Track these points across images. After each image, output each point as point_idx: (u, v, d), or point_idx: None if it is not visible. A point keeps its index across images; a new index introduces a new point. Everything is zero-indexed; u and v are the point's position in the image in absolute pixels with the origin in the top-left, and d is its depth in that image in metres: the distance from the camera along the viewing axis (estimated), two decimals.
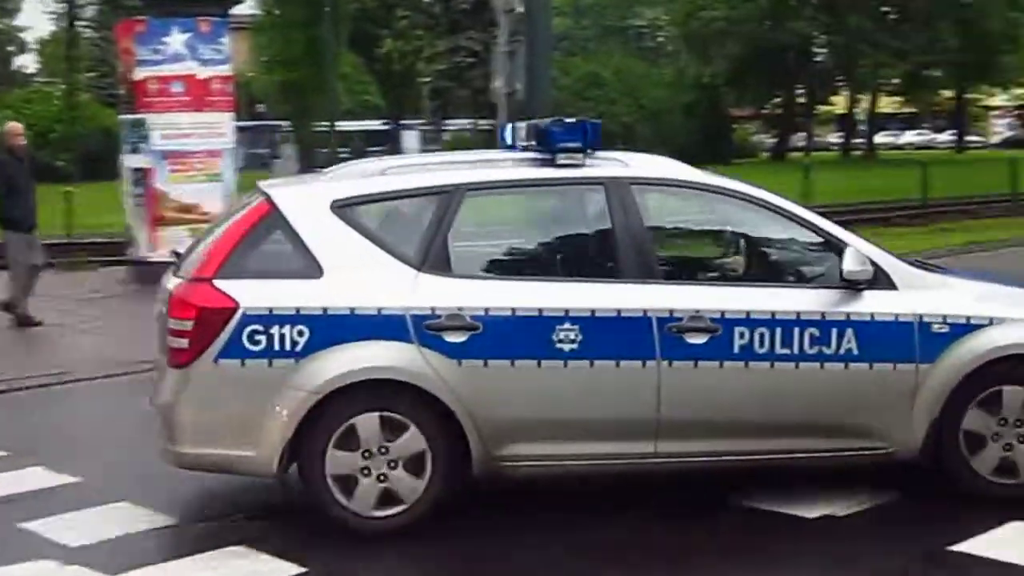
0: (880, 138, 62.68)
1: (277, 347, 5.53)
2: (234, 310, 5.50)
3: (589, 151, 6.05)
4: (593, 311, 5.69)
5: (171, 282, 5.88)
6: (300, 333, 5.53)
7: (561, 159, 5.98)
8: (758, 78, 56.65)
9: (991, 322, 5.98)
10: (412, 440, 5.54)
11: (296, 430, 5.52)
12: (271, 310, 5.53)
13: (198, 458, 5.77)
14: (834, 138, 65.84)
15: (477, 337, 5.62)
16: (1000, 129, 74.43)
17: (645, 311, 5.72)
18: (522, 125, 6.46)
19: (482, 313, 5.65)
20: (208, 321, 5.52)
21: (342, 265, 5.69)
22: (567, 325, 5.66)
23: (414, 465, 5.56)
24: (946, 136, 66.65)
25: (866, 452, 6.01)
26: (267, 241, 5.80)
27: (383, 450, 5.56)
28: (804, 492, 5.94)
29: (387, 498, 5.59)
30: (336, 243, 5.73)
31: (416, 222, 5.92)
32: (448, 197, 5.88)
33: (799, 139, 60.57)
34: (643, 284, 5.83)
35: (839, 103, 63.20)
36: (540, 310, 5.68)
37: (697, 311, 5.64)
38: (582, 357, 5.65)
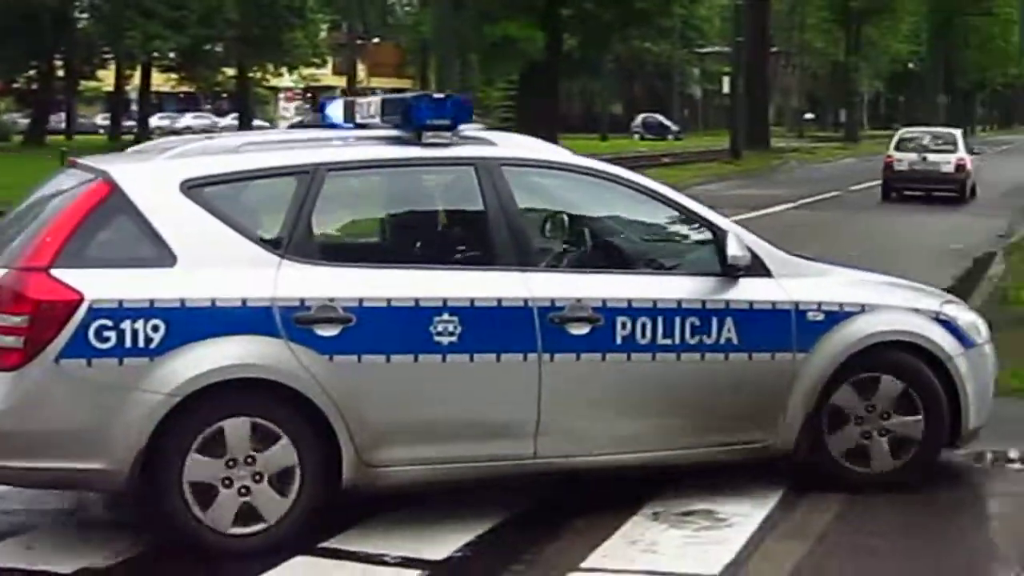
0: (155, 121, 66.04)
1: (129, 344, 5.87)
2: (78, 303, 5.80)
3: (456, 129, 6.71)
4: (472, 301, 6.33)
5: None
6: (155, 328, 5.90)
7: (427, 137, 6.58)
8: (11, 44, 55.40)
9: (863, 309, 7.09)
10: (283, 453, 5.98)
11: (151, 437, 5.83)
12: (121, 303, 5.87)
13: (32, 473, 6.00)
14: (102, 119, 68.00)
15: (350, 330, 6.13)
16: (288, 112, 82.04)
17: (526, 301, 6.41)
18: (370, 100, 7.10)
19: (355, 304, 6.16)
20: (47, 316, 5.79)
21: (197, 252, 6.09)
22: (446, 316, 6.25)
23: (281, 480, 6.01)
24: (229, 120, 70.67)
25: (741, 448, 6.95)
26: (110, 226, 6.09)
27: (249, 460, 5.97)
28: None
29: (248, 514, 5.99)
30: (189, 228, 6.13)
31: (276, 204, 6.42)
32: (308, 177, 6.36)
33: (59, 120, 62.04)
34: (523, 272, 6.51)
35: (107, 79, 64.51)
36: (417, 300, 6.26)
37: (579, 300, 6.33)
38: (461, 351, 6.26)
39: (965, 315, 7.63)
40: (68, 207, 6.21)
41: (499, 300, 6.35)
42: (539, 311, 6.36)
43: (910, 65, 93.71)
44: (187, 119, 73.95)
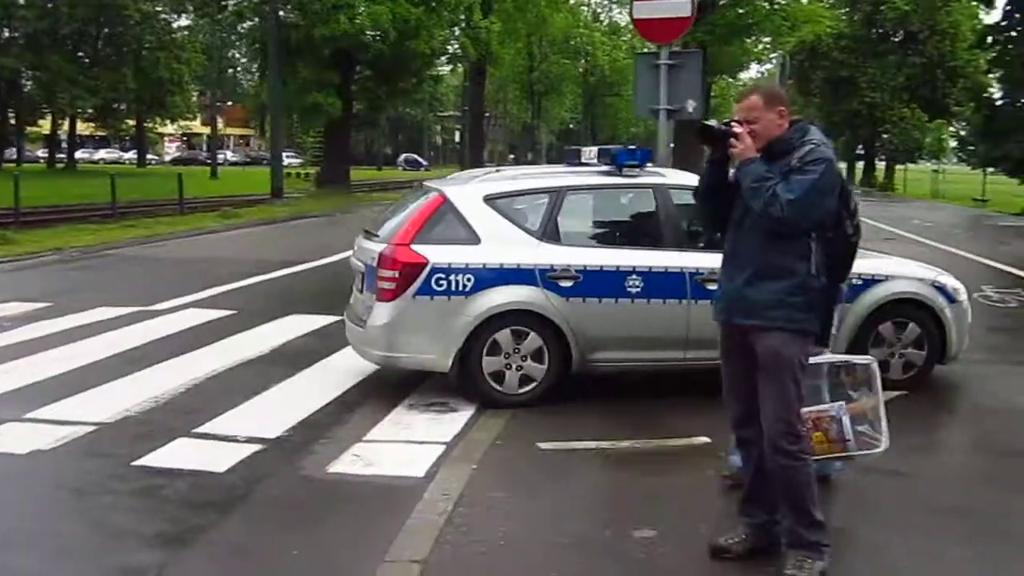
0: (80, 154, 62.34)
1: (453, 288, 6.68)
2: (425, 264, 6.67)
3: (643, 167, 7.33)
4: (650, 268, 6.90)
5: (373, 245, 6.95)
6: (468, 280, 6.70)
7: (626, 171, 7.22)
8: None
9: (887, 278, 7.45)
10: (533, 341, 6.76)
11: (464, 342, 6.69)
12: (449, 264, 6.69)
13: (396, 359, 6.86)
14: (42, 152, 64.18)
15: (578, 284, 6.79)
16: (171, 151, 79.48)
17: (681, 269, 6.91)
18: (589, 149, 7.69)
19: (582, 268, 6.82)
20: (409, 271, 6.66)
21: (492, 236, 6.82)
22: (634, 277, 6.86)
23: (537, 357, 6.78)
24: (131, 154, 68.35)
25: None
26: (443, 221, 6.86)
27: (516, 350, 6.78)
28: None
29: (525, 380, 6.79)
30: (488, 222, 6.85)
31: (537, 209, 7.03)
32: (557, 194, 7.04)
33: (11, 153, 58.35)
34: (679, 251, 6.98)
35: (46, 125, 61.97)
36: (617, 267, 6.87)
37: (711, 269, 5.93)
38: (643, 297, 6.85)
39: (952, 282, 7.80)
40: (419, 209, 7.03)
41: (666, 268, 6.92)
42: (688, 275, 6.90)
43: (571, 125, 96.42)
44: (101, 153, 70.91)
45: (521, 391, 6.82)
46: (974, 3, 44.55)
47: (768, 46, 62.25)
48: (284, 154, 38.53)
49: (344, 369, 7.81)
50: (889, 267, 7.70)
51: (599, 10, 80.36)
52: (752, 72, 65.81)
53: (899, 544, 4.53)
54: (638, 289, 6.87)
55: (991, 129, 37.53)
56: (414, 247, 6.77)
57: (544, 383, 6.81)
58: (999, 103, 38.60)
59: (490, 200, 7.02)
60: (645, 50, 13.29)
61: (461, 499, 4.98)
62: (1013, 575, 4.35)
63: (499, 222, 6.94)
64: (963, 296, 7.81)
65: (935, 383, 7.64)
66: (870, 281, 7.42)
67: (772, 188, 3.89)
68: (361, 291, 7.20)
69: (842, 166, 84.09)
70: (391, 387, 7.27)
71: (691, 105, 9.45)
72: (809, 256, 3.94)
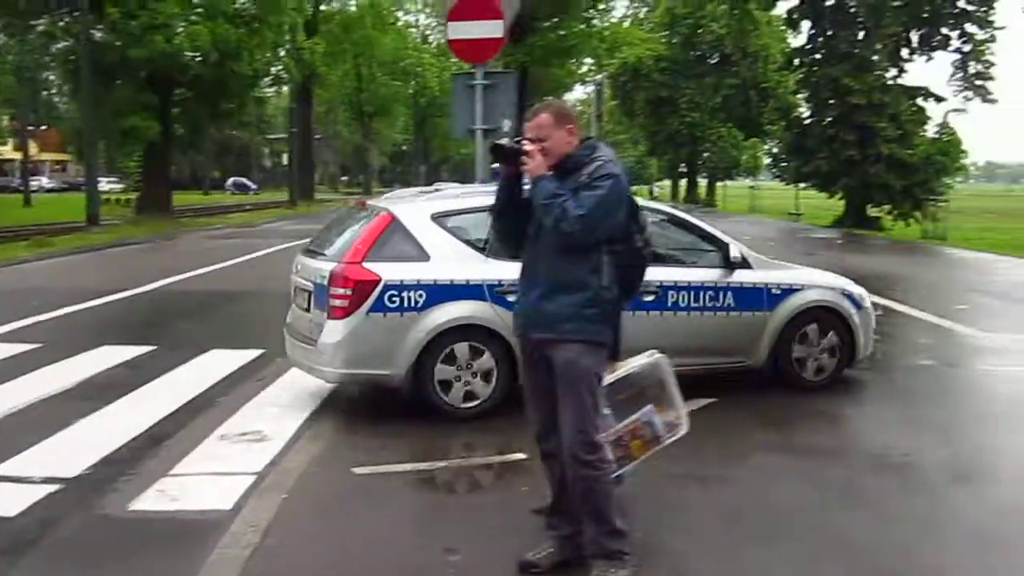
0: None
1: (406, 305, 6.84)
2: (378, 282, 6.83)
3: None
4: None
5: (320, 263, 7.06)
6: (420, 296, 6.87)
7: None
8: None
9: (803, 287, 8.03)
10: (487, 361, 6.91)
11: (417, 356, 6.83)
12: (401, 281, 6.86)
13: (351, 375, 7.02)
14: None
15: None
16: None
17: None
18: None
19: None
20: (361, 289, 6.81)
21: (441, 254, 7.01)
22: None
23: (486, 377, 6.93)
24: None
25: (735, 364, 7.81)
26: (392, 239, 7.01)
27: (469, 366, 6.93)
28: None
29: (469, 396, 6.93)
30: (436, 240, 7.05)
31: (481, 226, 7.06)
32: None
33: None
34: None
35: None
36: None
37: (647, 281, 6.40)
38: None
39: (858, 290, 8.42)
40: (368, 228, 7.15)
41: None
42: None
43: (404, 146, 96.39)
44: None
45: (464, 406, 6.99)
46: (782, 28, 47.15)
47: (593, 68, 64.18)
48: (105, 179, 36.89)
49: (156, 400, 7.58)
50: (804, 277, 8.26)
51: (428, 32, 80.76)
52: (578, 93, 67.43)
53: (701, 550, 4.65)
54: None
55: (800, 146, 39.71)
56: (366, 265, 6.95)
57: (488, 402, 7.00)
58: (807, 122, 40.87)
59: (437, 218, 7.25)
60: (462, 71, 13.41)
61: (269, 530, 4.85)
62: (815, 574, 4.49)
63: (447, 239, 7.15)
64: (868, 303, 8.41)
65: (744, 388, 7.93)
66: (788, 290, 7.97)
67: (562, 204, 3.97)
68: (307, 309, 7.24)
69: (666, 183, 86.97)
70: (204, 418, 7.10)
71: (507, 124, 9.60)
72: (601, 269, 4.04)
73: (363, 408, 7.37)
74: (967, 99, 38.46)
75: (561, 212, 3.96)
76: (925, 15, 37.71)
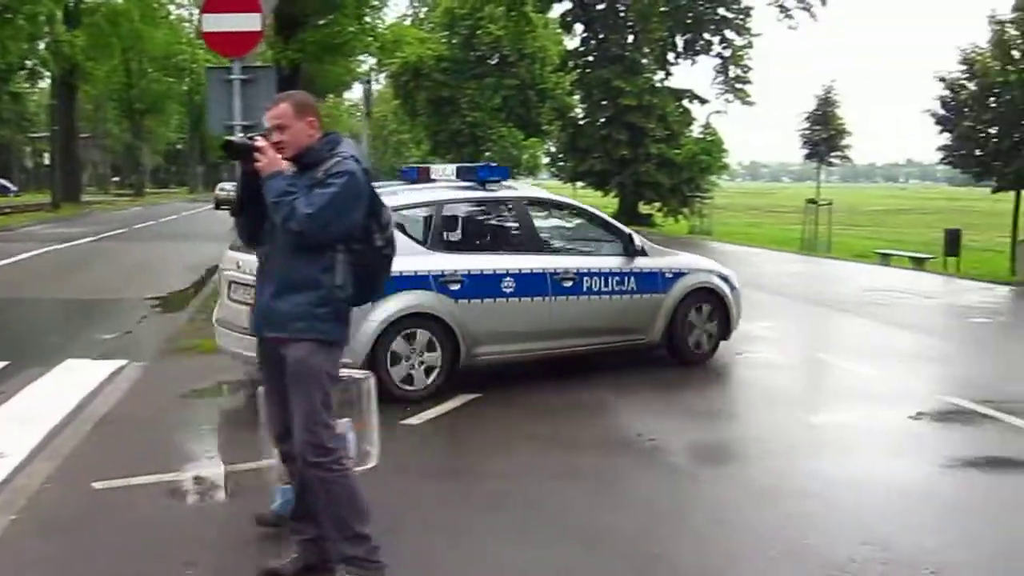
0: None
1: None
2: None
3: (501, 182, 8.45)
4: (520, 269, 8.04)
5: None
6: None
7: (488, 186, 8.31)
8: None
9: (689, 271, 9.16)
10: (433, 355, 7.62)
11: (373, 343, 7.33)
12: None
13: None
14: None
15: (464, 286, 7.74)
16: None
17: (544, 268, 8.17)
18: (443, 167, 8.61)
19: (465, 272, 7.78)
20: None
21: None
22: (507, 278, 7.95)
23: (428, 371, 7.60)
24: None
25: (637, 341, 8.90)
26: None
27: (419, 352, 7.58)
28: None
29: (408, 380, 7.53)
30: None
31: (423, 222, 7.93)
32: (437, 206, 8.00)
33: None
34: (539, 255, 8.25)
35: None
36: (493, 270, 7.93)
37: (566, 268, 8.30)
38: (515, 296, 7.96)
39: (730, 273, 9.70)
40: None
41: (531, 269, 8.12)
42: (550, 274, 8.23)
43: (179, 146, 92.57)
44: None
45: (412, 388, 7.57)
46: (558, 30, 48.43)
47: (374, 67, 63.73)
48: None
49: None
50: (689, 262, 9.39)
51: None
52: (359, 91, 66.75)
53: (449, 547, 4.64)
54: (511, 288, 8.00)
55: (576, 146, 41.02)
56: None
57: (436, 382, 7.66)
58: (582, 122, 42.24)
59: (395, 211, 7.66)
60: (217, 64, 12.92)
61: None
62: (568, 569, 4.48)
63: (403, 233, 7.59)
64: (737, 283, 9.70)
65: (512, 383, 8.13)
66: (678, 274, 9.11)
67: (291, 203, 3.85)
68: (240, 301, 7.46)
69: None
70: None
71: (267, 121, 9.26)
72: (334, 268, 3.95)
73: (111, 420, 6.97)
74: (728, 101, 41.00)
75: (290, 211, 3.84)
76: (689, 21, 39.79)
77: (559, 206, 8.99)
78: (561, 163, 46.51)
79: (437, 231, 7.92)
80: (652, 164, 37.72)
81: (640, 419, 7.23)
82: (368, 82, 20.55)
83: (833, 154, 32.30)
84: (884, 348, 10.92)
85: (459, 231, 8.16)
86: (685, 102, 41.30)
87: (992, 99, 23.85)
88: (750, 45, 40.67)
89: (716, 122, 62.41)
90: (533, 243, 8.34)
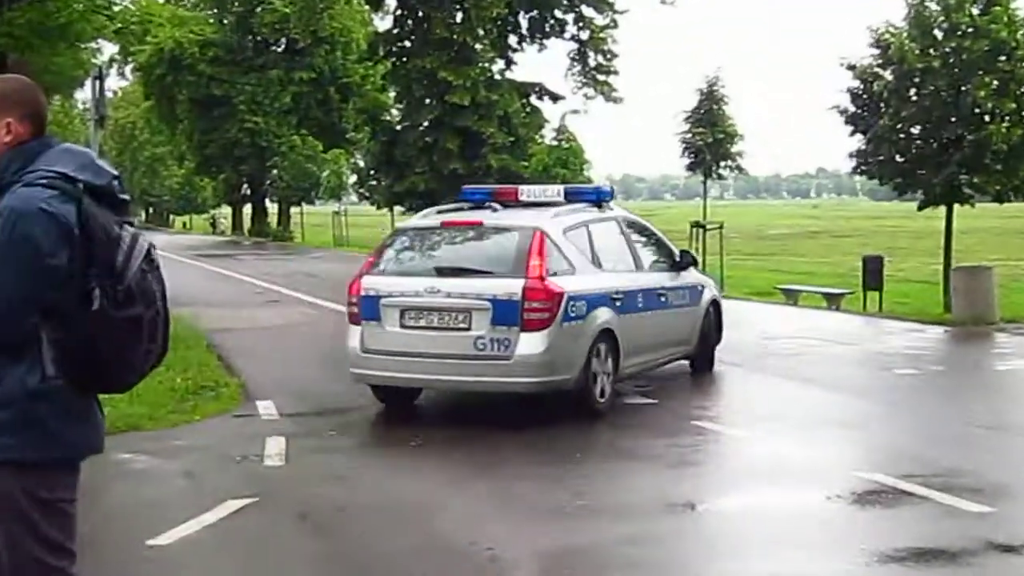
0: None
1: (577, 314, 10.40)
2: (563, 294, 10.28)
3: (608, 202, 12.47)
4: (644, 286, 11.97)
5: (492, 281, 10.28)
6: (583, 305, 10.52)
7: (604, 207, 12.17)
8: None
9: (706, 286, 13.61)
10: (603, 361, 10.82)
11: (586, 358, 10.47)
12: (576, 292, 10.45)
13: (546, 383, 10.25)
14: None
15: (622, 302, 11.14)
16: None
17: (654, 285, 12.33)
18: (545, 188, 12.78)
19: (619, 289, 11.22)
20: (557, 302, 10.19)
21: (581, 265, 10.90)
22: (639, 294, 11.69)
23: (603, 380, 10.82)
24: None
25: (686, 352, 13.02)
26: (551, 255, 10.53)
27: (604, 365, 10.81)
28: None
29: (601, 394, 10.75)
30: (573, 253, 10.89)
31: (583, 238, 11.38)
32: (586, 226, 11.48)
33: None
34: (644, 273, 12.31)
35: None
36: (633, 286, 11.62)
37: (660, 284, 12.52)
38: (645, 310, 11.74)
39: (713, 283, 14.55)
40: (531, 245, 10.46)
41: (650, 285, 12.16)
42: (655, 289, 12.32)
43: None
44: None
45: (603, 401, 10.78)
46: (364, 5, 48.57)
47: (118, 57, 62.28)
48: None
49: None
50: (701, 277, 14.00)
51: None
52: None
53: None
54: (642, 304, 11.71)
55: (392, 159, 40.98)
56: (549, 280, 10.31)
57: (611, 387, 11.01)
58: (399, 127, 42.33)
59: (566, 233, 11.02)
60: None
61: None
62: None
63: (576, 252, 11.00)
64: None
65: (301, 482, 7.86)
66: (702, 288, 13.54)
67: None
68: (467, 327, 10.19)
69: (226, 211, 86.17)
70: None
71: None
72: (23, 358, 3.67)
73: None
74: (588, 97, 41.74)
75: None
76: None
77: (636, 223, 12.95)
78: (373, 182, 46.51)
79: (594, 250, 11.29)
80: (493, 181, 38.16)
81: (476, 521, 7.27)
82: (100, 76, 19.92)
83: (723, 164, 33.41)
84: (787, 411, 11.28)
85: (606, 250, 11.59)
86: (533, 99, 42.03)
87: (912, 91, 24.81)
88: (614, 24, 41.75)
89: (574, 125, 63.60)
90: (637, 260, 12.23)
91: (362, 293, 10.70)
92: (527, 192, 12.05)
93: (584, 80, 41.65)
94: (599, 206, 12.00)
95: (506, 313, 9.98)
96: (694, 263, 13.53)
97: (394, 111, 45.01)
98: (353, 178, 55.83)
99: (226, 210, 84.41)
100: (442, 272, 10.58)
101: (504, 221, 11.04)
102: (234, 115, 59.90)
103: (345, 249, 50.33)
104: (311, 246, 54.53)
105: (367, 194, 48.91)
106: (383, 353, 10.45)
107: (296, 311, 21.24)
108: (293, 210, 67.23)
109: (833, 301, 25.06)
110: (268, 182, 64.96)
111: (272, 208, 69.96)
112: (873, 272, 24.91)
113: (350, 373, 10.90)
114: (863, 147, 25.42)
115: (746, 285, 31.14)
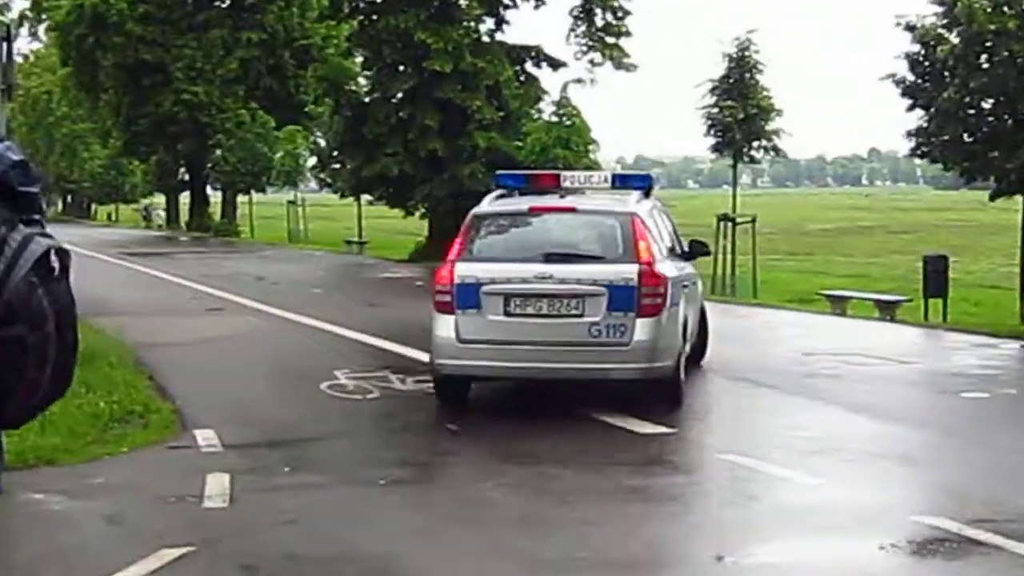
0: None
1: (674, 300, 12.41)
2: (667, 280, 12.30)
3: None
4: (690, 273, 14.86)
5: (604, 267, 12.12)
6: (674, 291, 12.51)
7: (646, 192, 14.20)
8: None
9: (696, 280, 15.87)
10: None
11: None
12: (675, 279, 12.70)
13: (655, 369, 11.99)
14: None
15: (685, 289, 13.91)
16: None
17: (690, 271, 15.01)
18: (589, 174, 15.74)
19: (685, 277, 14.23)
20: (665, 287, 12.14)
21: (659, 252, 12.78)
22: (687, 282, 14.22)
23: None
24: None
25: (692, 343, 14.35)
26: (647, 237, 12.45)
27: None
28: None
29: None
30: (660, 240, 13.15)
31: (669, 231, 14.59)
32: (666, 214, 14.94)
33: None
34: (683, 260, 14.32)
35: None
36: (685, 274, 14.18)
37: (688, 271, 14.52)
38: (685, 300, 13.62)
39: None
40: (634, 231, 12.38)
41: (690, 271, 14.82)
42: (692, 276, 15.07)
43: None
44: None
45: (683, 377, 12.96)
46: None
47: (29, 14, 61.93)
48: None
49: None
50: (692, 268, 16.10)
51: None
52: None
53: None
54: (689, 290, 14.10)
55: (359, 138, 40.90)
56: (657, 266, 12.20)
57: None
58: (367, 99, 42.25)
59: (649, 218, 13.04)
60: None
61: None
62: None
63: (656, 238, 12.95)
64: None
65: (252, 529, 7.84)
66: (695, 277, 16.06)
67: None
68: (580, 314, 11.84)
69: (159, 200, 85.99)
70: None
71: None
72: None
73: None
74: (595, 64, 41.68)
75: None
76: None
77: (666, 211, 15.05)
78: (336, 165, 46.42)
79: (661, 238, 13.31)
80: (480, 164, 38.12)
81: None
82: (7, 37, 19.84)
83: (756, 144, 33.35)
84: (832, 443, 11.23)
85: (663, 238, 13.55)
86: (529, 66, 42.03)
87: (983, 57, 24.65)
88: None
89: (578, 98, 63.51)
90: (679, 248, 14.35)
91: (457, 281, 12.12)
92: (570, 178, 14.23)
93: (590, 43, 41.60)
94: (647, 193, 13.95)
95: (623, 299, 11.75)
96: (706, 253, 16.00)
97: (361, 80, 44.87)
98: (312, 161, 55.68)
99: (160, 199, 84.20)
100: (550, 258, 12.19)
101: (595, 206, 13.48)
102: (169, 84, 59.82)
103: (302, 247, 50.30)
104: (261, 243, 54.46)
105: (329, 180, 48.83)
106: (484, 343, 11.93)
107: (243, 321, 21.21)
108: (240, 199, 66.99)
109: (887, 310, 24.98)
110: (210, 165, 64.60)
111: (215, 197, 69.81)
112: (936, 275, 24.84)
113: (438, 366, 12.32)
114: (924, 125, 25.26)
115: (784, 290, 31.19)
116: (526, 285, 11.93)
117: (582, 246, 12.72)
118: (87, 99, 68.42)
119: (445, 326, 12.09)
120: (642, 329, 11.72)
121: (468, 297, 11.99)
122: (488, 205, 13.59)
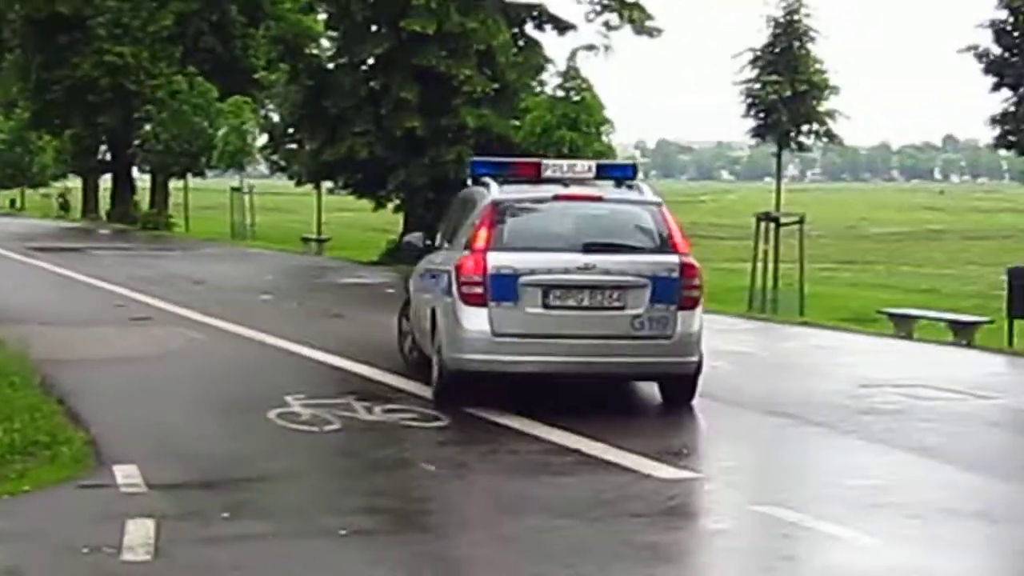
0: None
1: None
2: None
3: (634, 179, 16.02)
4: None
5: (649, 257, 13.96)
6: None
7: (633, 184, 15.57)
8: None
9: None
10: None
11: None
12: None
13: (696, 364, 14.06)
14: None
15: None
16: None
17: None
18: (573, 162, 16.32)
19: None
20: (701, 278, 14.40)
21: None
22: None
23: None
24: None
25: None
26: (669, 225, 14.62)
27: None
28: None
29: None
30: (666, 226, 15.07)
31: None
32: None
33: None
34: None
35: None
36: None
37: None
38: None
39: None
40: (667, 219, 14.41)
41: None
42: None
43: None
44: None
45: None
46: None
47: None
48: None
49: None
50: None
51: None
52: None
53: None
54: None
55: (320, 112, 40.86)
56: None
57: None
58: (331, 66, 42.24)
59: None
60: None
61: None
62: None
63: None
64: None
65: None
66: None
67: None
68: (621, 307, 13.58)
69: (75, 184, 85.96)
70: None
71: None
72: None
73: None
74: (610, 27, 41.58)
75: None
76: None
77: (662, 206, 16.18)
78: (292, 145, 46.40)
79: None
80: (468, 147, 38.09)
81: None
82: None
83: (806, 129, 33.35)
84: (895, 495, 11.23)
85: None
86: (530, 29, 42.06)
87: None
88: None
89: (588, 69, 63.37)
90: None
91: (491, 271, 13.55)
92: (552, 167, 15.41)
93: (605, 2, 41.54)
94: (630, 186, 15.51)
95: (665, 290, 13.53)
96: None
97: (324, 42, 44.89)
98: (263, 140, 55.74)
99: (75, 183, 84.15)
100: (590, 248, 13.83)
101: (620, 195, 15.12)
102: (89, 44, 59.85)
103: (248, 244, 50.28)
104: (199, 238, 54.62)
105: (282, 164, 48.89)
106: (522, 336, 13.48)
107: (176, 334, 21.26)
108: (173, 185, 67.08)
109: (963, 333, 24.96)
110: (137, 143, 64.68)
111: (142, 182, 69.82)
112: (1021, 292, 24.81)
113: (467, 362, 13.64)
114: (1011, 108, 25.22)
115: (837, 307, 31.18)
116: (568, 276, 13.54)
117: (620, 236, 14.36)
118: None
119: (476, 319, 13.54)
120: (684, 322, 13.60)
121: (504, 288, 13.50)
122: (504, 193, 14.70)
